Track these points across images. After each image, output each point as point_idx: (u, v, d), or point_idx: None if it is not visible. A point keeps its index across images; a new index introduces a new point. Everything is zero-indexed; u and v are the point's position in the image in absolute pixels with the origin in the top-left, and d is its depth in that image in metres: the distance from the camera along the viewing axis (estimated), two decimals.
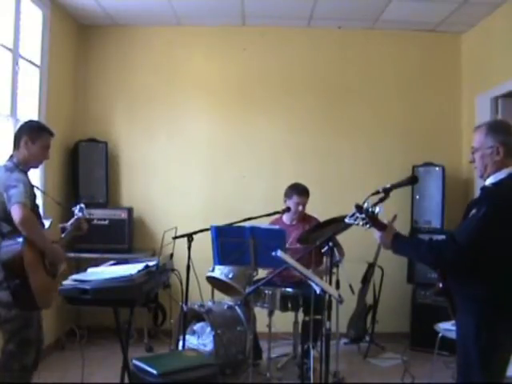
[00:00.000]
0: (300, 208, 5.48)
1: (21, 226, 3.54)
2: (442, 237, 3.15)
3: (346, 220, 3.18)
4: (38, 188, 4.59)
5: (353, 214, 3.13)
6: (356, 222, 3.12)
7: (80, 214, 4.25)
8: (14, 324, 3.72)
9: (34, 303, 3.59)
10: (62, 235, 4.14)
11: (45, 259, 3.74)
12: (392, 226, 3.17)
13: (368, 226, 3.11)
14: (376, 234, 3.16)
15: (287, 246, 4.97)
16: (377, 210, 3.10)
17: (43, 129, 4.04)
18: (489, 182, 3.08)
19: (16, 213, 3.53)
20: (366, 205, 3.10)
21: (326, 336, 4.01)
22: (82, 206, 4.31)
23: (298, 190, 5.51)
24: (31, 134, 3.89)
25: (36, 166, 4.09)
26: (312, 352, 4.67)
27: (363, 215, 3.08)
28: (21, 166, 3.83)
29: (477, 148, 3.10)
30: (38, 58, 5.66)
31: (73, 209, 4.32)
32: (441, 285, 3.22)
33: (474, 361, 2.94)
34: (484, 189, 3.09)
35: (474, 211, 2.93)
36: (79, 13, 6.35)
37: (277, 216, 5.50)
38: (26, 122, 4.17)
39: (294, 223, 5.54)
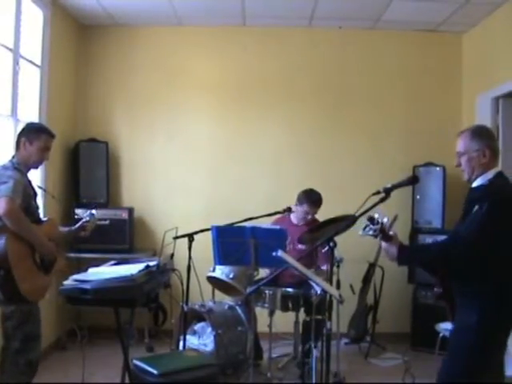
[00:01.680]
0: (309, 217, 5.46)
1: (5, 219, 3.57)
2: (442, 237, 3.19)
3: (360, 233, 3.21)
4: (40, 187, 4.63)
5: (366, 226, 3.17)
6: (370, 234, 3.16)
7: (87, 218, 4.35)
8: (13, 320, 3.74)
9: (21, 296, 3.61)
10: (65, 229, 4.27)
11: (35, 253, 3.77)
12: (397, 238, 3.22)
13: (379, 237, 3.16)
14: (383, 245, 3.22)
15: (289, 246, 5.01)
16: (385, 220, 3.15)
17: (42, 130, 4.07)
18: (477, 183, 3.19)
19: (1, 205, 3.55)
20: (376, 215, 3.15)
21: (327, 336, 4.02)
22: (94, 212, 4.40)
23: (312, 200, 5.41)
24: (29, 135, 3.95)
25: (35, 167, 4.11)
26: (314, 352, 4.66)
27: (376, 227, 3.12)
28: (19, 166, 3.86)
29: (463, 152, 3.21)
30: (39, 58, 5.66)
31: (83, 215, 4.46)
32: (439, 290, 3.27)
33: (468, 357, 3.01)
34: (480, 187, 3.17)
35: (476, 208, 3.02)
36: (80, 13, 6.34)
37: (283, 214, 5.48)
38: (27, 124, 4.22)
39: (301, 224, 5.51)
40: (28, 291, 3.64)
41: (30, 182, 4.01)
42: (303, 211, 5.43)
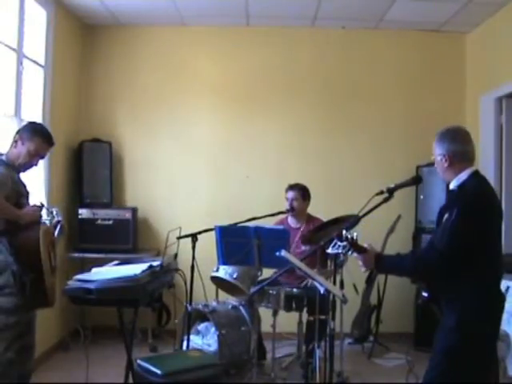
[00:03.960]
0: (294, 204, 5.48)
1: None
2: None
3: (329, 250, 3.26)
4: (47, 208, 4.47)
5: (334, 244, 3.19)
6: (339, 251, 3.19)
7: (59, 218, 4.06)
8: (14, 331, 3.60)
9: (47, 301, 3.56)
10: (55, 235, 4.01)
11: (51, 254, 3.69)
12: (372, 249, 3.23)
13: (350, 252, 3.18)
14: (358, 257, 3.22)
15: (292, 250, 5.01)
16: (355, 235, 3.17)
17: (38, 134, 3.84)
18: (453, 185, 3.20)
19: None
20: (344, 232, 3.16)
21: (330, 336, 4.01)
22: (56, 209, 4.12)
23: (290, 186, 5.57)
24: (23, 135, 3.77)
25: (22, 170, 3.87)
26: (318, 352, 4.66)
27: (344, 243, 3.14)
28: (9, 161, 3.72)
29: (434, 156, 3.27)
30: (43, 57, 5.67)
31: (50, 210, 4.12)
32: (425, 294, 3.28)
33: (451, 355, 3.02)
34: (451, 192, 3.22)
35: (446, 216, 3.04)
36: (83, 12, 6.35)
37: (281, 217, 5.51)
38: (29, 122, 4.09)
39: (299, 226, 5.53)
40: (52, 297, 3.58)
41: (21, 180, 3.85)
42: (288, 200, 5.51)
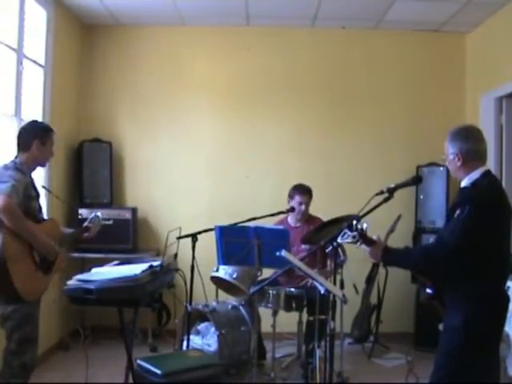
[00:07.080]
0: (303, 208, 5.47)
1: (2, 214, 3.52)
2: None
3: (339, 240, 3.27)
4: (44, 188, 4.61)
5: (344, 233, 3.20)
6: (348, 240, 3.20)
7: (86, 224, 4.40)
8: (13, 320, 3.70)
9: (17, 295, 3.56)
10: (69, 230, 4.23)
11: (34, 252, 3.72)
12: (381, 241, 3.26)
13: (359, 243, 3.18)
14: (366, 249, 3.23)
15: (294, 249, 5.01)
16: (364, 226, 3.19)
17: (49, 129, 4.10)
18: (465, 183, 3.20)
19: None
20: (354, 222, 3.17)
21: (330, 336, 4.01)
22: (98, 214, 4.48)
23: (300, 190, 5.51)
24: (42, 137, 3.96)
25: (44, 165, 4.19)
26: (317, 352, 4.66)
27: (354, 233, 3.15)
28: (22, 166, 3.81)
29: (446, 155, 3.28)
30: (43, 57, 5.67)
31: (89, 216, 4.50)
32: (430, 290, 3.28)
33: (456, 357, 3.02)
34: (463, 189, 3.20)
35: (458, 212, 3.02)
36: (83, 13, 6.35)
37: (282, 217, 5.51)
38: (34, 125, 4.17)
39: (299, 225, 5.53)
40: (24, 290, 3.59)
41: (32, 182, 3.97)
42: (297, 203, 5.47)
